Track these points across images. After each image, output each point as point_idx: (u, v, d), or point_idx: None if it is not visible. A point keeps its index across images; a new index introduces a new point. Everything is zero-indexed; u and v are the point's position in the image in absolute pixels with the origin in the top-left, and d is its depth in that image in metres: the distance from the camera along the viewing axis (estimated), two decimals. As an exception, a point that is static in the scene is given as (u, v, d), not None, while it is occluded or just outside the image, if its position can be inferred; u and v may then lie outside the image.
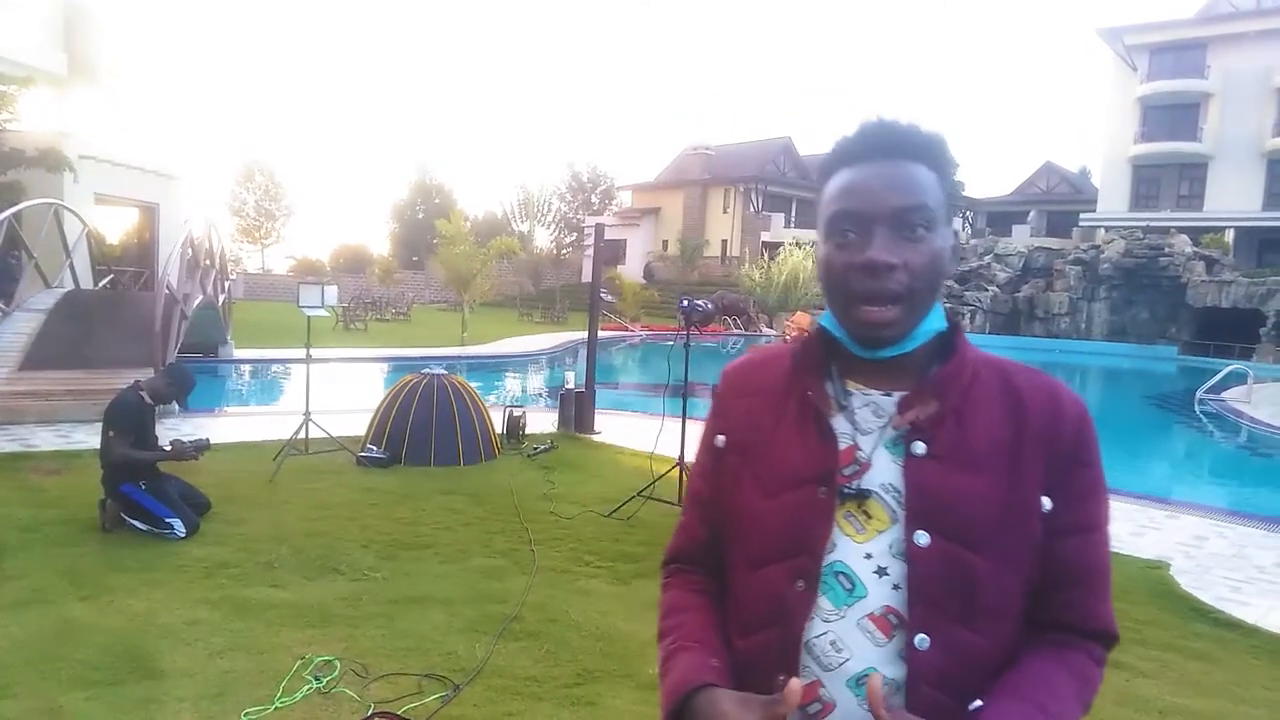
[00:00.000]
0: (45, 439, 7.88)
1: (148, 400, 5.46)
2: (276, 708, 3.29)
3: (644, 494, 6.16)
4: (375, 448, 7.50)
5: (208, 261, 12.62)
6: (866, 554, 1.00)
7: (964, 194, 45.14)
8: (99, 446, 5.41)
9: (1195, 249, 31.45)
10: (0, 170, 14.28)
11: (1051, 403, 1.03)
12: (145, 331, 9.32)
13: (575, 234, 47.15)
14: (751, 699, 0.99)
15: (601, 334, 10.65)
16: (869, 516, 1.01)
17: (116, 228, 22.29)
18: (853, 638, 0.99)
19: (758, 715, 0.96)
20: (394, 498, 6.44)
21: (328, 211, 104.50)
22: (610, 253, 33.94)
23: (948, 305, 1.09)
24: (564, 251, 45.80)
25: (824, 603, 1.00)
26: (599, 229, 9.63)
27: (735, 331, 33.23)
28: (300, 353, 7.94)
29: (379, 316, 29.82)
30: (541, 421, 9.64)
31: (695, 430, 6.83)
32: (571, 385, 9.65)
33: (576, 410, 9.31)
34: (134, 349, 9.46)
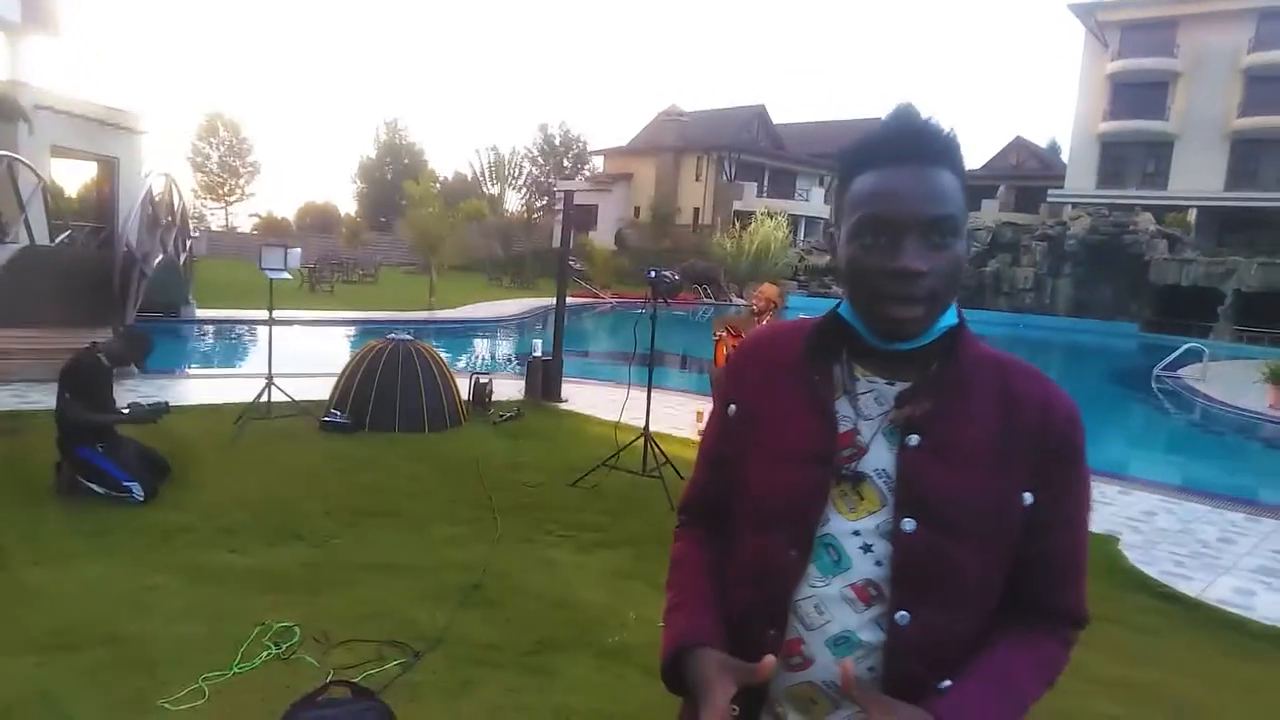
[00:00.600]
0: (1, 398, 7.73)
1: (105, 362, 5.37)
2: (235, 673, 3.29)
3: (609, 464, 6.19)
4: (339, 413, 7.45)
5: (169, 219, 12.34)
6: (855, 531, 1.09)
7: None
8: (55, 408, 5.31)
9: (1158, 227, 31.97)
10: (-50, 120, 13.82)
11: (1043, 404, 1.10)
12: (104, 290, 9.13)
13: (546, 198, 46.67)
14: (731, 663, 1.09)
15: (571, 301, 10.63)
16: (861, 498, 1.09)
17: (74, 182, 21.72)
18: (835, 604, 1.08)
19: (734, 679, 1.07)
20: (357, 464, 6.42)
21: (294, 169, 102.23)
22: (581, 219, 33.67)
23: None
24: (535, 215, 45.27)
25: (812, 570, 1.10)
26: (568, 197, 9.55)
27: (705, 300, 33.30)
28: (264, 314, 7.82)
29: (346, 279, 29.45)
30: (509, 389, 9.62)
31: (660, 401, 6.83)
32: (539, 354, 9.63)
33: (544, 378, 9.30)
34: (92, 308, 9.26)
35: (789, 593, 1.10)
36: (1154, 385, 17.23)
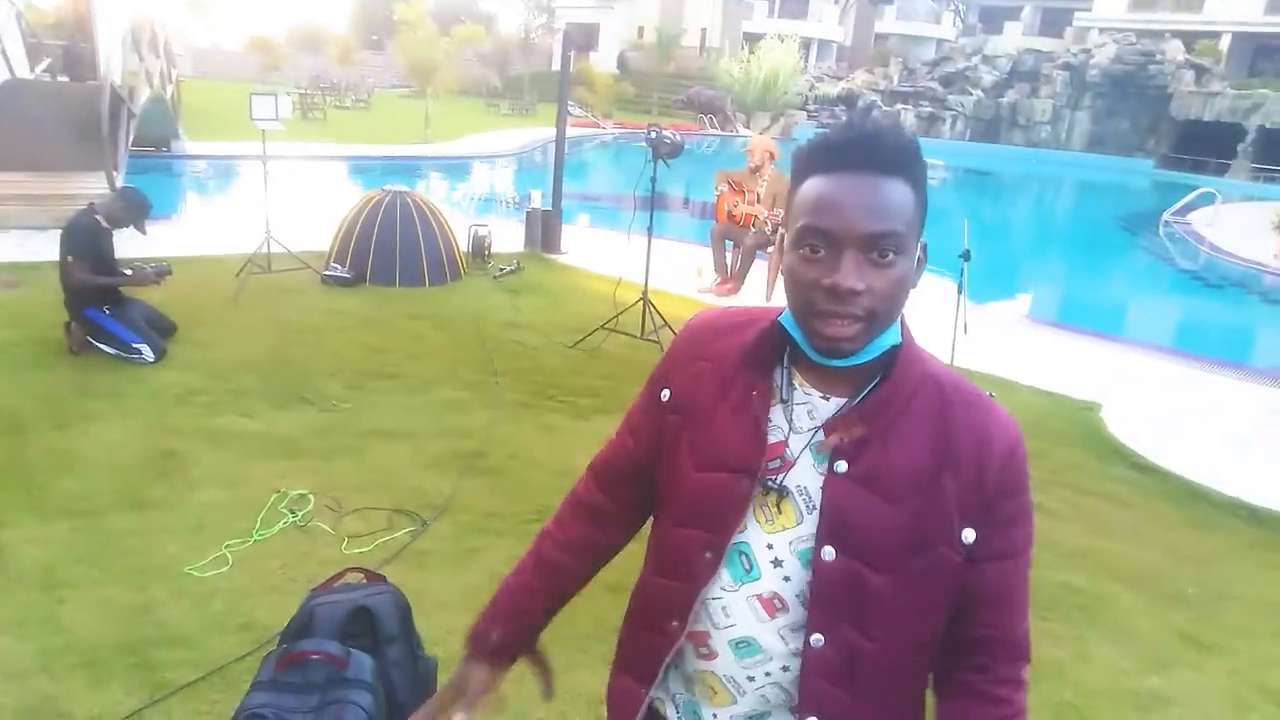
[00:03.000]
0: (1, 248, 7.71)
1: (104, 224, 5.34)
2: (255, 540, 3.52)
3: (608, 326, 6.27)
4: (340, 266, 7.46)
5: (151, 54, 11.80)
6: (768, 544, 1.09)
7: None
8: (58, 267, 5.33)
9: (1187, 57, 30.53)
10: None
11: (981, 434, 1.06)
12: (92, 129, 8.86)
13: (545, 15, 44.22)
14: (459, 692, 1.30)
15: (571, 132, 10.29)
16: (779, 511, 1.09)
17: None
18: (740, 610, 1.11)
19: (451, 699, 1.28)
20: (360, 321, 6.51)
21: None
22: (581, 39, 31.84)
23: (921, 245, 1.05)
24: (533, 35, 43.09)
25: (724, 573, 1.11)
26: (567, 34, 9.07)
27: (710, 131, 32.28)
28: (257, 147, 7.64)
29: (339, 104, 28.40)
30: (508, 238, 9.56)
31: (661, 251, 6.75)
32: (538, 204, 9.49)
33: (543, 230, 9.22)
34: (82, 149, 9.03)
35: (698, 592, 1.12)
36: (1161, 231, 17.02)
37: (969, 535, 1.06)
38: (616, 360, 6.04)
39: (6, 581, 3.10)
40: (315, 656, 2.20)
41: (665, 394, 1.21)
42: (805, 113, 34.56)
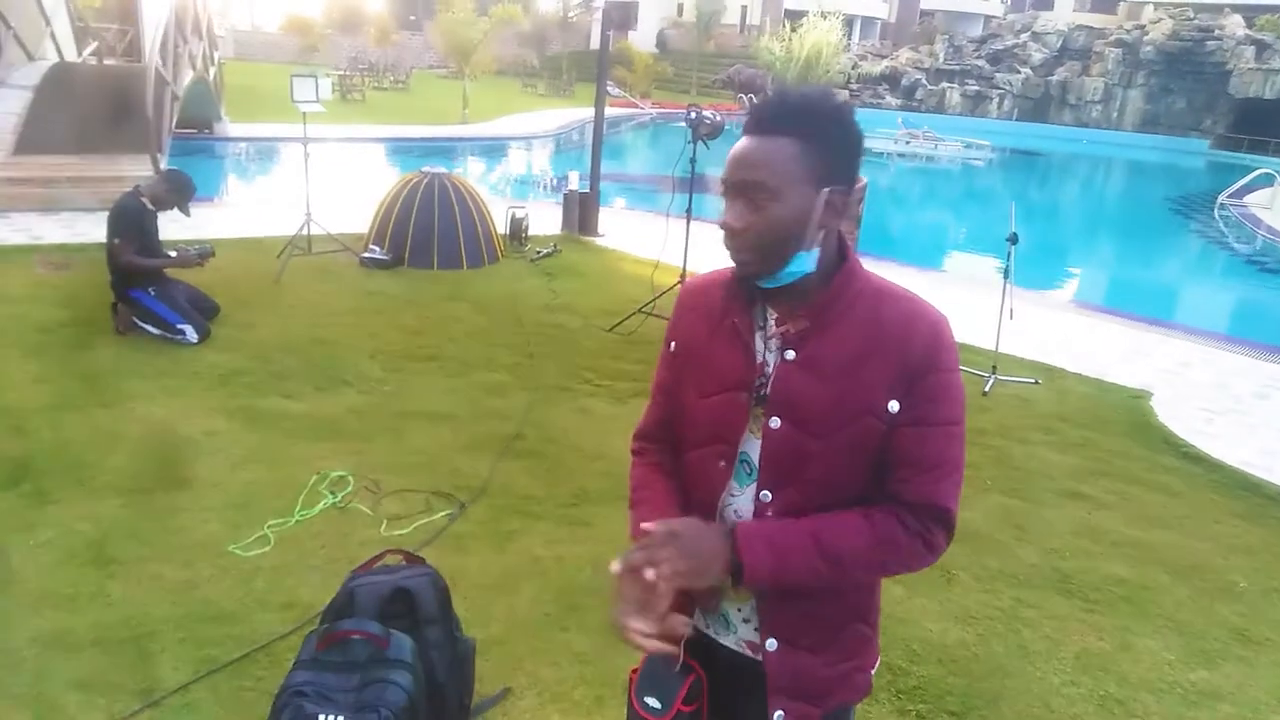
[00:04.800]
0: (49, 230, 7.90)
1: (149, 206, 5.43)
2: (297, 520, 3.57)
3: (645, 310, 6.25)
4: (378, 248, 7.52)
5: (194, 36, 11.96)
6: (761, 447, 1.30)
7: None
8: (105, 249, 5.44)
9: (1248, 32, 29.49)
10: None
11: (905, 322, 1.24)
12: (137, 112, 9.03)
13: (584, -7, 44.04)
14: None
15: (609, 111, 10.26)
16: (759, 420, 1.29)
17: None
18: (747, 509, 1.31)
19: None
20: (399, 303, 6.56)
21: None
22: (620, 16, 31.79)
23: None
24: (571, 15, 42.92)
25: (732, 481, 1.33)
26: (606, 13, 9.00)
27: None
28: (298, 130, 7.71)
29: (377, 85, 28.60)
30: (545, 219, 9.56)
31: (700, 234, 6.71)
32: (575, 186, 9.47)
33: (581, 212, 9.21)
34: (128, 132, 9.20)
35: (717, 497, 1.33)
36: (1216, 214, 16.51)
37: (894, 406, 1.23)
38: (654, 344, 5.98)
39: (59, 556, 3.18)
40: (357, 636, 2.23)
41: (673, 345, 1.43)
42: (848, 92, 34.03)
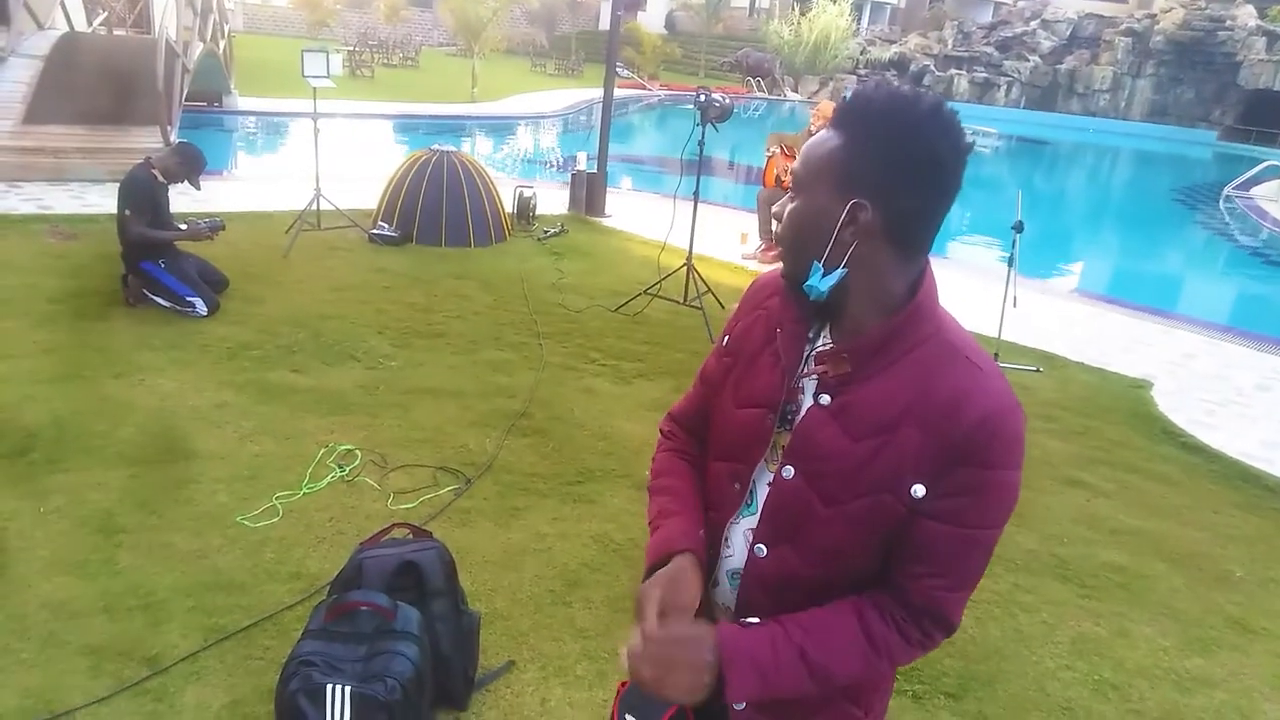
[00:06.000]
0: (60, 200, 7.90)
1: (160, 179, 5.44)
2: (305, 493, 3.61)
3: (651, 291, 6.26)
4: (387, 225, 7.53)
5: (205, 8, 11.91)
6: (769, 481, 1.18)
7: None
8: (116, 221, 5.45)
9: (1259, 23, 29.22)
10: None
11: (960, 398, 1.06)
12: (148, 84, 9.01)
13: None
14: (696, 584, 1.19)
15: (617, 93, 10.22)
16: (779, 449, 1.18)
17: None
18: (736, 541, 1.23)
19: (688, 597, 1.17)
20: (406, 280, 6.58)
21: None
22: (630, -1, 31.50)
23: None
24: (581, -7, 42.65)
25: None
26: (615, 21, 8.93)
27: (758, 95, 31.79)
28: (308, 104, 7.70)
29: (386, 62, 28.41)
30: (552, 200, 9.55)
31: (706, 217, 6.70)
32: (583, 166, 9.46)
33: (588, 192, 9.20)
34: (139, 103, 9.19)
35: (727, 520, 1.23)
36: (1221, 205, 16.44)
37: (919, 490, 1.07)
38: (659, 325, 6.04)
39: (70, 524, 3.22)
40: (364, 608, 2.27)
41: (726, 339, 1.32)
42: (855, 76, 33.80)
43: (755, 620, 1.16)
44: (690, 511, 1.28)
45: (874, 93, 1.07)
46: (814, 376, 1.14)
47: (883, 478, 1.08)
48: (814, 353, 1.15)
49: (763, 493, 1.18)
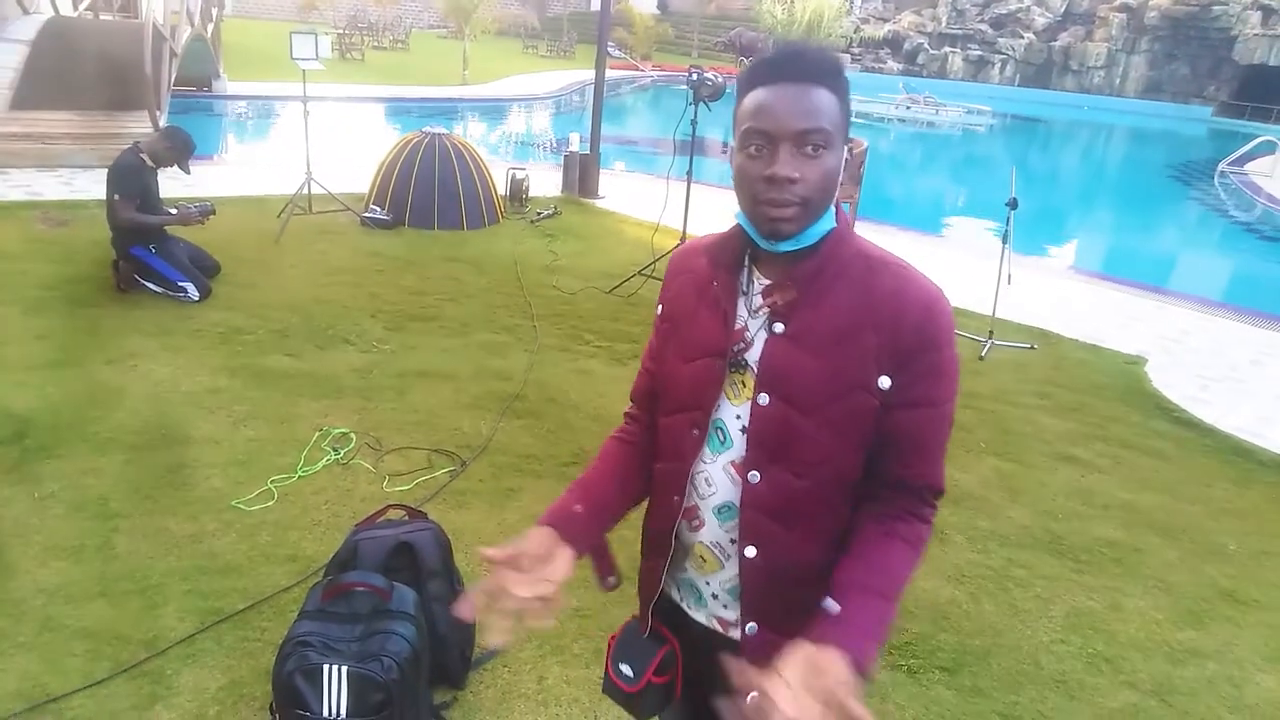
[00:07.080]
0: (49, 186, 7.84)
1: (149, 163, 5.40)
2: (300, 476, 3.61)
3: (644, 272, 6.25)
4: (379, 208, 7.49)
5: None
6: (737, 415, 1.26)
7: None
8: (105, 206, 5.42)
9: (1255, -3, 29.10)
10: None
11: (897, 296, 1.19)
12: (136, 69, 8.93)
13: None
14: (540, 549, 1.25)
15: (610, 74, 10.17)
16: (743, 385, 1.26)
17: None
18: (719, 478, 1.29)
19: (534, 546, 1.25)
20: (399, 263, 6.55)
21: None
22: (623, -22, 31.22)
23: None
24: (573, -26, 42.28)
25: (705, 449, 1.30)
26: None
27: (751, 74, 31.55)
28: (298, 88, 7.64)
29: (376, 44, 28.20)
30: (545, 181, 9.51)
31: (699, 198, 6.68)
32: (576, 148, 9.41)
33: (581, 174, 9.15)
34: (126, 88, 9.11)
35: (689, 465, 1.30)
36: (1216, 181, 16.44)
37: (885, 382, 1.19)
38: (653, 306, 5.99)
39: (64, 510, 3.22)
40: (360, 588, 2.27)
41: (660, 309, 1.41)
42: (849, 55, 33.64)
43: (833, 605, 1.16)
44: (577, 492, 1.36)
45: (824, 50, 1.20)
46: (762, 312, 1.24)
47: (852, 378, 1.19)
48: (763, 288, 1.25)
49: (735, 428, 1.26)
